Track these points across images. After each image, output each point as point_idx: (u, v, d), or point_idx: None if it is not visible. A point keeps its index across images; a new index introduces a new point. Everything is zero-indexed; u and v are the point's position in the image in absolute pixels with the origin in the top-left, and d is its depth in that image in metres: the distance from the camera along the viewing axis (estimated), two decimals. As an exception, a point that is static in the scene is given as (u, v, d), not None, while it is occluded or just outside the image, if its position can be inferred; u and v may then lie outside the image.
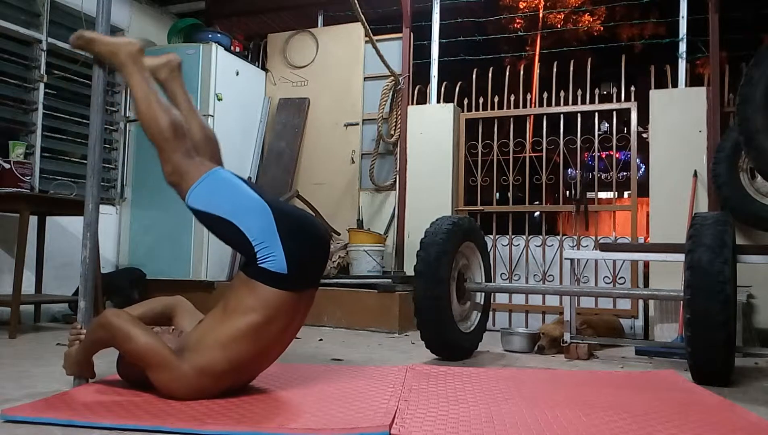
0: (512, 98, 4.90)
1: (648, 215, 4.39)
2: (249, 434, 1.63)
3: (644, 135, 4.66)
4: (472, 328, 3.38)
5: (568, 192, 7.13)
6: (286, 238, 2.00)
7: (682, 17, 4.53)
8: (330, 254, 4.77)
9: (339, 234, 5.03)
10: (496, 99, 4.91)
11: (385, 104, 5.11)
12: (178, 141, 2.10)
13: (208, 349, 1.94)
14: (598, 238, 4.61)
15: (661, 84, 4.49)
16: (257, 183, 5.23)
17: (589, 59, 4.74)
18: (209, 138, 2.36)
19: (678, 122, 4.31)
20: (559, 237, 4.81)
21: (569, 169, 4.88)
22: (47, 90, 4.37)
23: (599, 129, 4.70)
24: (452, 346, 3.14)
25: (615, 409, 1.99)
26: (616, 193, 4.89)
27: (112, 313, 1.99)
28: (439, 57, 5.19)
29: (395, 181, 5.13)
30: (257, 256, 1.99)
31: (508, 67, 5.05)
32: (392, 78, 5.07)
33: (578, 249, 4.56)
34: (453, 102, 5.02)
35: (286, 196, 4.94)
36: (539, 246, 4.74)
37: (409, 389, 2.22)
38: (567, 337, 3.40)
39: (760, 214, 3.88)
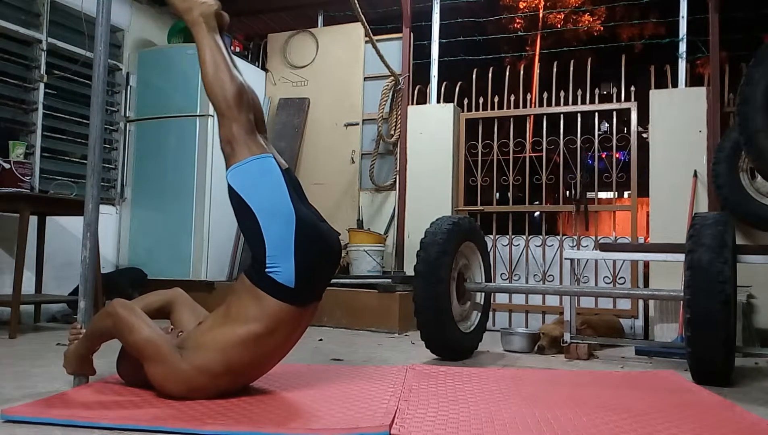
0: (512, 98, 4.90)
1: (648, 215, 4.39)
2: (249, 434, 1.63)
3: (644, 135, 4.66)
4: (472, 328, 3.38)
5: (568, 192, 7.13)
6: (300, 252, 1.98)
7: (682, 17, 4.53)
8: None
9: (339, 234, 5.02)
10: (496, 99, 4.91)
11: (385, 104, 5.11)
12: (241, 111, 2.07)
13: (207, 349, 1.94)
14: (598, 238, 4.61)
15: (661, 84, 4.49)
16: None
17: (589, 59, 4.74)
18: (254, 100, 2.26)
19: (678, 122, 4.31)
20: (559, 237, 4.81)
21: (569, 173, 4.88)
22: (47, 90, 4.37)
23: (599, 129, 4.70)
24: (452, 346, 3.14)
25: (615, 409, 1.99)
26: (616, 193, 4.89)
27: (120, 303, 1.99)
28: (439, 57, 5.19)
29: (395, 181, 5.13)
30: (267, 263, 1.97)
31: (508, 67, 5.05)
32: (392, 78, 5.07)
33: (578, 249, 4.56)
34: (453, 102, 5.01)
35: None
36: (539, 246, 4.74)
37: (409, 389, 2.22)
38: (567, 337, 3.40)
39: (760, 213, 3.88)
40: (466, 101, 5.04)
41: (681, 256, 2.84)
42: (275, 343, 2.01)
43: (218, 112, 2.09)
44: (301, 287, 1.98)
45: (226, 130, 2.06)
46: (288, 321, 2.00)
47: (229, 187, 2.05)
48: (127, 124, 5.04)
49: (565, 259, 3.94)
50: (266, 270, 1.97)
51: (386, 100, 5.12)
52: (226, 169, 2.07)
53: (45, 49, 4.35)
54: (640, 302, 4.36)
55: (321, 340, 3.75)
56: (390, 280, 4.46)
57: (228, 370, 1.95)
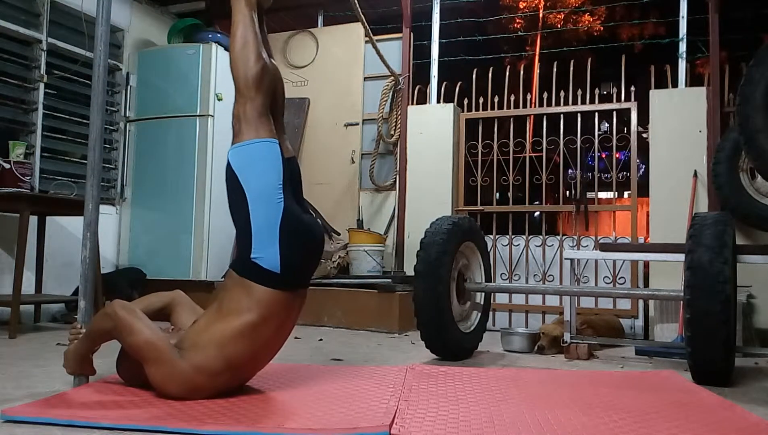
0: (512, 98, 4.90)
1: (648, 215, 4.39)
2: (249, 434, 1.63)
3: (644, 135, 4.66)
4: (472, 328, 3.38)
5: (568, 192, 7.13)
6: (285, 239, 2.00)
7: (682, 17, 4.53)
8: (330, 254, 4.77)
9: (339, 234, 5.03)
10: (496, 99, 4.91)
11: (385, 104, 5.11)
12: (258, 93, 2.08)
13: (205, 347, 1.95)
14: (598, 238, 4.61)
15: (661, 84, 4.49)
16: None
17: (589, 59, 4.74)
18: (277, 86, 2.26)
19: (678, 122, 4.31)
20: (559, 237, 4.80)
21: (569, 170, 4.87)
22: (47, 90, 4.37)
23: (599, 129, 4.70)
24: (452, 346, 3.14)
25: (615, 409, 1.99)
26: (616, 193, 4.89)
27: (119, 304, 1.99)
28: (439, 57, 5.19)
29: (395, 181, 5.13)
30: (252, 248, 1.99)
31: (508, 67, 5.05)
32: (392, 78, 5.06)
33: (578, 249, 4.56)
34: (453, 102, 5.01)
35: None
36: (539, 246, 4.74)
37: (409, 389, 2.22)
38: (567, 337, 3.40)
39: (760, 214, 3.88)
40: (466, 101, 5.04)
41: (681, 256, 2.84)
42: (270, 332, 2.02)
43: (236, 88, 2.10)
44: (287, 272, 2.00)
45: (239, 107, 2.08)
46: (279, 307, 2.01)
47: (228, 165, 2.06)
48: (127, 124, 5.04)
49: (565, 259, 3.94)
50: (251, 256, 1.99)
51: (386, 100, 5.12)
52: (231, 145, 2.08)
53: (45, 49, 4.34)
54: (640, 302, 4.36)
55: (321, 340, 3.75)
56: (390, 280, 4.46)
57: (227, 366, 1.96)
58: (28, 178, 3.77)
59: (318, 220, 2.28)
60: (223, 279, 4.73)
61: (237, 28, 2.13)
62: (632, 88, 4.56)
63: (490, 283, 3.59)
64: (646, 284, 4.39)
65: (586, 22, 13.70)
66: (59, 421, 1.69)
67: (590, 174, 4.78)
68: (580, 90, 4.72)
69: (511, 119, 5.12)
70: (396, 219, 5.04)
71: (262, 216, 2.00)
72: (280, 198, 2.03)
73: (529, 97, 4.89)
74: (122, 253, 4.98)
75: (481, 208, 4.94)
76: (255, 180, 2.03)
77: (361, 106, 5.31)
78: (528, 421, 1.81)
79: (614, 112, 4.66)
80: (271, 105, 2.17)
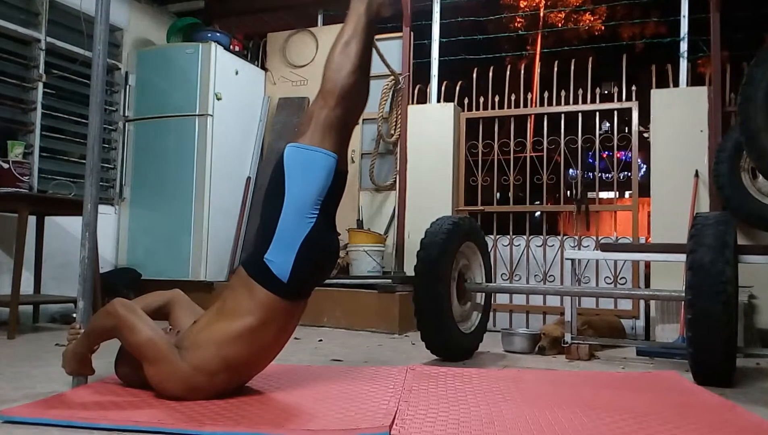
0: (513, 98, 4.88)
1: (649, 215, 4.38)
2: (248, 435, 1.62)
3: (645, 135, 4.65)
4: (472, 329, 3.37)
5: (569, 192, 7.12)
6: (302, 253, 1.98)
7: (684, 16, 4.51)
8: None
9: (339, 234, 5.01)
10: (497, 98, 4.90)
11: (385, 104, 5.10)
12: (340, 105, 2.05)
13: (204, 347, 1.94)
14: (599, 238, 4.60)
15: (662, 83, 4.48)
16: (257, 183, 5.22)
17: (590, 58, 4.73)
18: (358, 107, 2.22)
19: (679, 122, 4.30)
20: (560, 237, 4.79)
21: (570, 169, 4.86)
22: (46, 89, 4.36)
23: (600, 129, 4.69)
24: (452, 346, 3.13)
25: (616, 410, 1.98)
26: (617, 193, 4.88)
27: (120, 302, 1.99)
28: (440, 56, 5.18)
29: (395, 181, 5.12)
30: (269, 249, 1.97)
31: (509, 66, 5.04)
32: (392, 77, 5.05)
33: (579, 249, 4.55)
34: (453, 101, 5.00)
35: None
36: (540, 246, 4.73)
37: (410, 390, 2.21)
38: (568, 337, 3.39)
39: (761, 214, 3.87)
40: (466, 101, 5.03)
41: (682, 257, 2.83)
42: (269, 336, 2.01)
43: (321, 88, 2.08)
44: (293, 284, 1.99)
45: (316, 107, 2.07)
46: (279, 313, 2.00)
47: (281, 159, 2.04)
48: (126, 123, 5.03)
49: (566, 259, 3.93)
50: (265, 256, 1.97)
51: (386, 100, 5.11)
52: (293, 141, 2.06)
53: (44, 48, 4.33)
54: (642, 302, 4.35)
55: (321, 340, 3.74)
56: (390, 281, 4.44)
57: (226, 367, 1.95)
58: (27, 177, 3.77)
59: (338, 237, 2.26)
60: (224, 280, 4.76)
61: (346, 31, 2.09)
62: (633, 88, 4.55)
63: (491, 284, 3.58)
64: (648, 284, 4.38)
65: (587, 21, 13.70)
66: (58, 421, 1.69)
67: (591, 174, 4.78)
68: (581, 89, 4.71)
69: (512, 119, 5.10)
70: (396, 219, 5.03)
71: (290, 224, 1.99)
72: (313, 215, 2.00)
73: (529, 96, 4.88)
74: (121, 253, 4.97)
75: (481, 208, 4.93)
76: (298, 187, 2.00)
77: (361, 105, 5.29)
78: (528, 422, 1.80)
79: (615, 112, 4.65)
80: (347, 116, 2.12)
